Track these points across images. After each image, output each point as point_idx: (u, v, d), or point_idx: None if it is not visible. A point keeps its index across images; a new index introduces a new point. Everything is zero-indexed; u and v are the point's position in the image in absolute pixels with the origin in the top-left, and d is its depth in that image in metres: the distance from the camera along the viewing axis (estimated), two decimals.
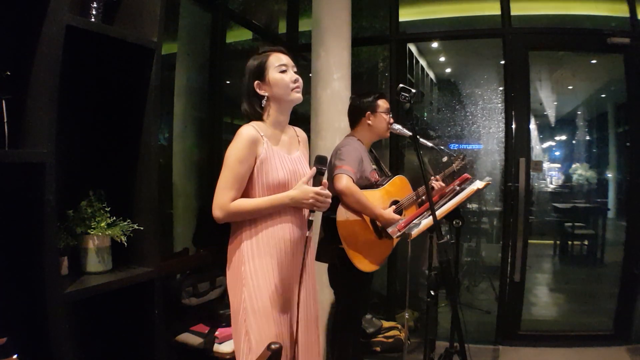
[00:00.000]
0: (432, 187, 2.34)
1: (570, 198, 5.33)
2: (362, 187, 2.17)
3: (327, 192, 1.55)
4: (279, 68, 1.57)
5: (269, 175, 1.53)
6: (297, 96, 1.60)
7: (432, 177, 2.39)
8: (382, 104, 2.34)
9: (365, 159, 2.27)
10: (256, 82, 1.59)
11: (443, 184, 2.35)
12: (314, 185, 1.53)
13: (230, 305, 1.60)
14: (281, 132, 1.63)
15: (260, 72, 1.58)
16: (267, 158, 1.53)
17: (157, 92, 1.65)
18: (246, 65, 1.63)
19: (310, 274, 1.69)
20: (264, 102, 1.59)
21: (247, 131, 1.52)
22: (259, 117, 1.60)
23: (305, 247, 1.58)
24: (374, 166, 2.37)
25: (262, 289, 1.52)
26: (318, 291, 2.90)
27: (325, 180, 1.56)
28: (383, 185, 2.29)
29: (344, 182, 2.08)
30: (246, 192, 1.54)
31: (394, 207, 2.24)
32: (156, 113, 1.66)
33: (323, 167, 1.54)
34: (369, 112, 2.32)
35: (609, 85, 5.34)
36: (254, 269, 1.53)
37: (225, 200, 1.49)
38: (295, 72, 1.61)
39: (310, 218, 1.54)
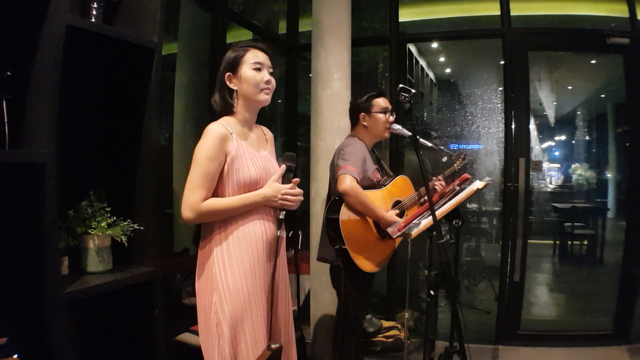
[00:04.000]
0: (435, 189, 2.34)
1: (570, 198, 5.34)
2: (365, 187, 2.17)
3: (298, 190, 1.54)
4: (254, 65, 1.53)
5: (239, 172, 1.48)
6: (266, 97, 1.55)
7: (434, 178, 2.39)
8: (378, 103, 2.29)
9: (368, 159, 2.26)
10: (228, 74, 1.54)
11: (445, 184, 2.35)
12: (283, 183, 1.52)
13: (197, 309, 1.54)
14: (249, 130, 1.59)
15: (234, 65, 1.54)
16: (238, 155, 1.49)
17: (157, 92, 1.65)
18: (224, 56, 1.59)
19: (283, 274, 1.64)
20: (233, 96, 1.55)
21: (216, 128, 1.48)
22: (228, 110, 1.56)
23: (277, 248, 1.53)
24: (376, 166, 2.37)
25: (234, 293, 1.46)
26: (317, 292, 2.89)
27: (296, 178, 1.55)
28: (385, 185, 2.29)
29: (348, 182, 2.08)
30: (216, 191, 1.50)
31: (396, 210, 2.24)
32: (156, 113, 1.66)
33: (292, 165, 1.53)
34: (363, 114, 2.29)
35: (608, 85, 5.35)
36: (225, 272, 1.47)
37: (195, 200, 1.43)
38: (270, 74, 1.56)
39: (280, 217, 1.51)
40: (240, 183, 1.49)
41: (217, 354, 1.46)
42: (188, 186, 1.45)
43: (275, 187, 1.50)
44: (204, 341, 1.52)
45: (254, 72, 1.53)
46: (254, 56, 1.54)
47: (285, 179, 1.53)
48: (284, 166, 1.53)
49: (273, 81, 1.57)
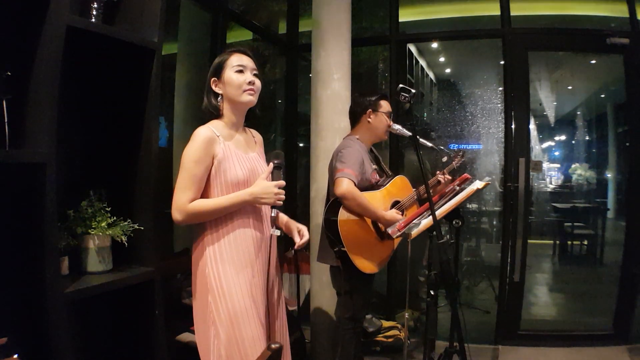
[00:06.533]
0: (439, 181, 2.36)
1: (570, 198, 5.35)
2: (363, 189, 2.17)
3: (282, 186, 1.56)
4: (236, 68, 1.57)
5: (227, 173, 1.52)
6: (249, 98, 1.57)
7: (438, 172, 2.40)
8: (384, 105, 2.34)
9: (366, 160, 2.27)
10: (213, 79, 1.60)
11: (450, 177, 2.36)
12: (273, 180, 1.53)
13: (193, 309, 1.57)
14: (237, 132, 1.62)
15: (218, 70, 1.59)
16: (225, 157, 1.52)
17: (157, 92, 1.65)
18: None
19: (274, 272, 1.66)
20: (219, 100, 1.59)
21: (203, 132, 1.51)
22: (217, 114, 1.59)
23: (270, 246, 1.57)
24: (375, 166, 2.37)
25: (228, 293, 1.49)
26: (317, 292, 2.89)
27: (282, 180, 1.56)
28: (384, 185, 2.29)
29: (345, 186, 2.08)
30: (206, 193, 1.53)
31: (395, 209, 2.24)
32: (156, 113, 1.66)
33: (280, 162, 1.55)
34: (370, 110, 2.31)
35: (608, 85, 5.35)
36: (219, 273, 1.50)
37: (183, 201, 1.47)
38: (254, 75, 1.59)
39: (272, 215, 1.53)
40: (228, 184, 1.52)
41: (212, 353, 1.48)
42: (176, 189, 1.49)
43: (264, 184, 1.52)
44: (200, 340, 1.54)
45: (237, 74, 1.57)
46: (237, 59, 1.58)
47: (274, 177, 1.54)
48: (271, 164, 1.55)
49: (257, 82, 1.60)
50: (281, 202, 1.53)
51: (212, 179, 1.52)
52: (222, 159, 1.52)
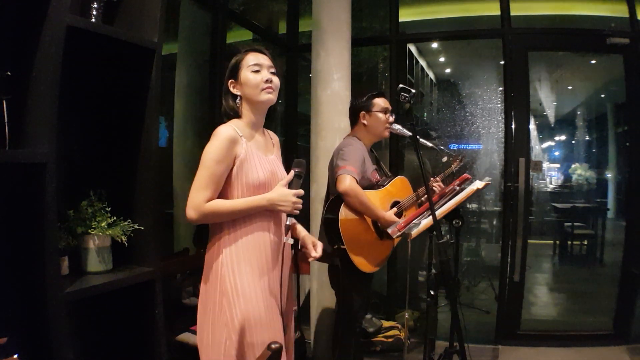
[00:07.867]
0: (433, 190, 2.35)
1: (570, 198, 5.35)
2: (364, 188, 2.17)
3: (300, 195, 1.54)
4: (252, 68, 1.53)
5: (249, 175, 1.49)
6: (268, 97, 1.54)
7: (432, 179, 2.39)
8: (378, 102, 2.31)
9: (367, 159, 2.27)
10: (230, 81, 1.57)
11: (443, 186, 2.35)
12: (292, 189, 1.51)
13: (200, 309, 1.55)
14: (257, 133, 1.60)
15: (235, 71, 1.56)
16: (247, 158, 1.49)
17: (157, 92, 1.64)
18: (228, 61, 1.61)
19: (286, 280, 1.64)
20: (237, 101, 1.57)
21: (226, 131, 1.48)
22: (236, 115, 1.56)
23: (283, 253, 1.55)
24: (375, 166, 2.37)
25: (243, 297, 1.46)
26: (317, 292, 2.90)
27: (300, 189, 1.53)
28: (384, 185, 2.29)
29: (348, 182, 2.08)
30: (226, 193, 1.50)
31: (395, 209, 2.25)
32: (156, 113, 1.66)
33: (301, 171, 1.53)
34: (363, 112, 2.30)
35: (608, 85, 5.36)
36: (234, 276, 1.47)
37: (199, 200, 1.44)
38: (272, 73, 1.56)
39: (288, 223, 1.50)
40: (249, 185, 1.49)
41: (222, 354, 1.45)
42: (194, 186, 1.46)
43: (282, 191, 1.49)
44: (204, 342, 1.51)
45: (253, 74, 1.53)
46: (253, 58, 1.55)
47: (293, 185, 1.52)
48: (292, 172, 1.52)
49: (275, 80, 1.56)
50: (298, 212, 1.51)
51: (233, 180, 1.49)
52: (244, 160, 1.49)
